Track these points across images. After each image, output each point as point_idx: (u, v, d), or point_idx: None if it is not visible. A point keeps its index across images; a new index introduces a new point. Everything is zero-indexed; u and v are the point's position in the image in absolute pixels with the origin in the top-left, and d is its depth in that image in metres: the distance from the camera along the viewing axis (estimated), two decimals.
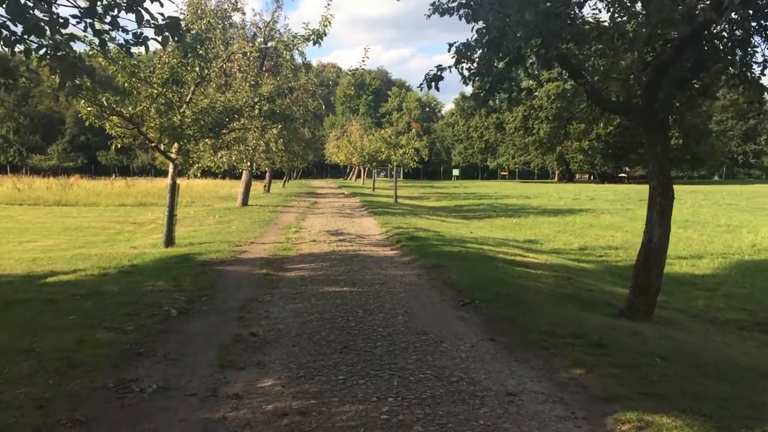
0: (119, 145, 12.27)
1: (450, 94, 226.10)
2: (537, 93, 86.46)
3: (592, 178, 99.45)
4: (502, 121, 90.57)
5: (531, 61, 6.99)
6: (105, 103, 11.18)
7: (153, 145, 12.23)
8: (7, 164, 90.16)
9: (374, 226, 18.37)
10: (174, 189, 13.15)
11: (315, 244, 13.82)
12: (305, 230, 16.91)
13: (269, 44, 20.25)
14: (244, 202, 25.64)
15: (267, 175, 39.19)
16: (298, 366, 5.29)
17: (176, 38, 4.30)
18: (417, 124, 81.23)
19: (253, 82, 13.06)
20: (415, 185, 63.72)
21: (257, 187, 42.33)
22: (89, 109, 11.41)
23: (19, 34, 3.63)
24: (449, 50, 7.65)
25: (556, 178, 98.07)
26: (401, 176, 51.21)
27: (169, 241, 13.12)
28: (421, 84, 7.88)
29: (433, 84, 7.82)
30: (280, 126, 20.75)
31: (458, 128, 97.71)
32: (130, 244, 14.78)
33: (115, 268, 10.12)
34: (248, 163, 23.71)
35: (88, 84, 7.97)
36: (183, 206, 29.75)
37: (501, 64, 7.53)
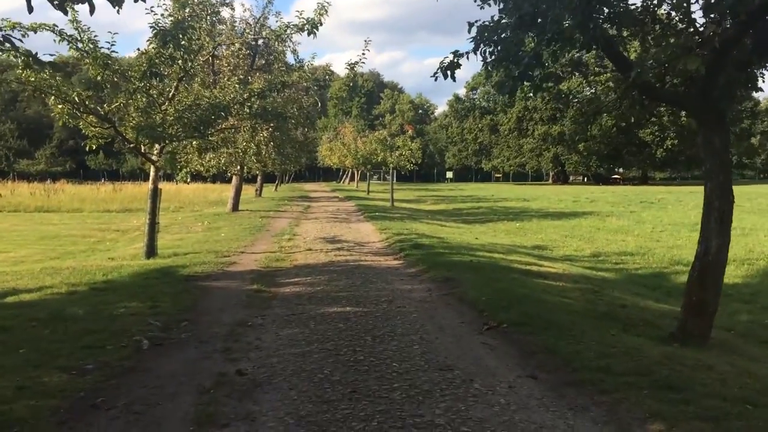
0: (94, 146, 11.08)
1: (443, 96, 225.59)
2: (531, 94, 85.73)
3: (586, 179, 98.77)
4: (496, 123, 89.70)
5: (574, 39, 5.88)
6: (77, 99, 10.03)
7: (131, 146, 11.04)
8: None
9: (373, 232, 17.23)
10: (156, 194, 11.98)
11: (311, 253, 12.67)
12: (300, 237, 15.76)
13: (259, 41, 19.11)
14: (235, 207, 24.43)
15: (258, 178, 38.01)
16: (297, 420, 4.15)
17: None
18: (410, 126, 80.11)
19: (242, 78, 11.90)
20: (410, 188, 62.62)
21: (248, 191, 41.12)
22: (60, 106, 10.27)
23: None
24: (469, 30, 6.55)
25: (550, 180, 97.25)
26: (395, 179, 50.03)
27: (151, 251, 11.95)
28: (435, 73, 6.76)
29: (448, 73, 6.72)
30: (271, 127, 19.62)
31: (452, 130, 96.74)
32: (109, 255, 13.59)
33: (87, 284, 8.94)
34: (238, 167, 22.51)
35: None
36: (170, 212, 28.53)
37: (531, 47, 6.43)
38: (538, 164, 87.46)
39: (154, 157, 11.73)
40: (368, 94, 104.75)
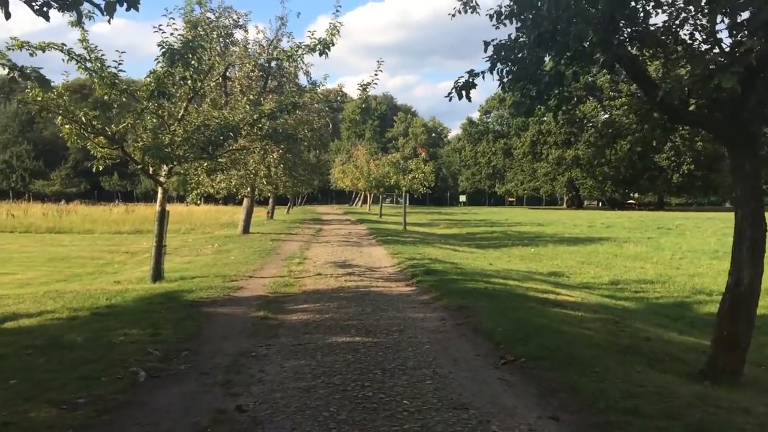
0: (101, 167, 10.90)
1: (456, 120, 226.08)
2: (545, 118, 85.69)
3: (600, 204, 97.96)
4: (510, 147, 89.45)
5: (594, 58, 5.59)
6: (84, 119, 9.87)
7: (139, 167, 10.85)
8: (10, 190, 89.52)
9: (385, 256, 16.91)
10: (163, 217, 11.76)
11: (320, 278, 12.36)
12: (310, 261, 15.46)
13: (272, 62, 19.03)
14: (245, 230, 24.22)
15: (270, 201, 37.87)
16: None
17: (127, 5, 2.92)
18: (424, 149, 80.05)
19: (253, 98, 11.71)
20: (422, 211, 62.33)
21: (260, 213, 41.03)
22: (68, 126, 10.12)
23: None
24: (485, 50, 6.28)
25: (564, 205, 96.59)
26: (407, 202, 49.78)
27: (157, 275, 11.70)
28: (449, 93, 6.50)
29: (463, 93, 6.45)
30: (282, 149, 19.46)
31: (465, 153, 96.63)
32: (116, 278, 13.38)
33: (89, 309, 8.67)
34: (249, 189, 22.34)
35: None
36: (181, 234, 28.41)
37: (549, 65, 6.15)
38: (552, 188, 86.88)
39: (162, 179, 11.53)
40: (381, 117, 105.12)
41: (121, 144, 10.43)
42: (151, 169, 11.80)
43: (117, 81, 9.33)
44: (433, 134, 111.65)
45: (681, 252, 22.15)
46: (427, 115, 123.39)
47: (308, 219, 39.23)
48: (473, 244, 25.06)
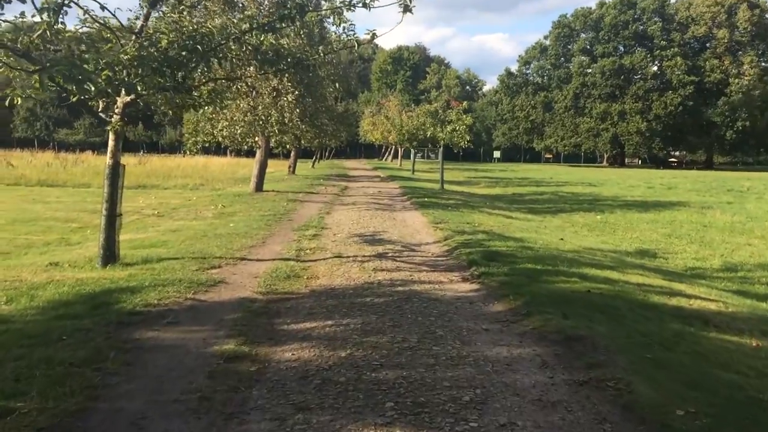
0: (18, 101, 7.32)
1: (490, 74, 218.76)
2: (590, 69, 79.77)
3: (640, 162, 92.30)
4: (551, 100, 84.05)
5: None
6: None
7: (73, 99, 7.23)
8: (35, 138, 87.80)
9: (424, 226, 13.24)
10: (115, 174, 8.25)
11: (340, 264, 8.77)
12: (328, 233, 11.90)
13: None
14: (258, 188, 20.62)
15: (292, 154, 34.25)
16: None
17: None
18: (457, 102, 75.33)
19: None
20: (456, 167, 58.11)
21: (282, 167, 37.55)
22: None
23: None
24: None
25: (605, 162, 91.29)
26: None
27: (109, 256, 8.25)
28: None
29: None
30: (299, 89, 15.67)
31: (502, 107, 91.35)
32: (69, 252, 10.01)
33: None
34: (257, 139, 18.62)
35: None
36: (189, 190, 25.06)
37: None
38: (594, 145, 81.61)
39: (114, 116, 7.96)
40: (414, 68, 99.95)
41: (44, 64, 6.78)
42: (100, 104, 8.29)
43: None
44: (468, 87, 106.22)
45: None
46: (461, 68, 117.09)
47: (334, 174, 35.56)
48: (525, 209, 21.19)
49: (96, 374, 4.24)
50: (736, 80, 72.16)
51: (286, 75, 13.35)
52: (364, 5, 7.52)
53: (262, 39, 7.62)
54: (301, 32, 9.96)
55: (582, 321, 5.73)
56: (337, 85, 18.75)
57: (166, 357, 4.72)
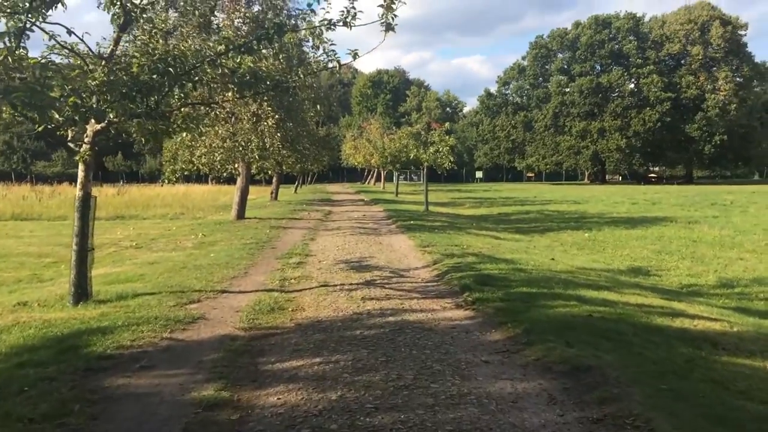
0: None
1: (470, 96, 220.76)
2: (568, 88, 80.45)
3: (622, 179, 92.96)
4: (531, 120, 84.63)
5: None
6: None
7: (38, 129, 6.81)
8: (11, 171, 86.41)
9: (412, 250, 12.87)
10: (86, 206, 7.83)
11: (326, 293, 8.36)
12: (313, 260, 11.48)
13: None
14: (240, 215, 20.13)
15: (274, 180, 33.81)
16: None
17: None
18: (438, 124, 75.49)
19: (203, 20, 7.64)
20: (439, 189, 58.02)
21: (264, 193, 37.11)
22: None
23: None
24: None
25: (586, 180, 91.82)
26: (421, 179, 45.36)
27: (81, 293, 7.76)
28: None
29: None
30: (279, 113, 15.34)
31: (483, 128, 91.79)
32: (40, 291, 9.50)
33: None
34: (237, 165, 18.19)
35: None
36: (168, 219, 24.49)
37: None
38: (576, 162, 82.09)
39: (82, 147, 7.55)
40: (394, 91, 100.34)
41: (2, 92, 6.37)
42: (70, 133, 7.89)
43: None
44: (448, 108, 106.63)
45: None
46: (441, 90, 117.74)
47: (317, 199, 35.17)
48: (512, 229, 20.92)
49: (57, 431, 3.79)
50: (712, 95, 73.15)
51: (266, 99, 12.98)
52: (345, 24, 7.22)
53: (239, 61, 7.30)
54: (280, 55, 9.58)
55: (587, 349, 5.37)
56: (318, 107, 18.35)
57: (137, 407, 4.27)
